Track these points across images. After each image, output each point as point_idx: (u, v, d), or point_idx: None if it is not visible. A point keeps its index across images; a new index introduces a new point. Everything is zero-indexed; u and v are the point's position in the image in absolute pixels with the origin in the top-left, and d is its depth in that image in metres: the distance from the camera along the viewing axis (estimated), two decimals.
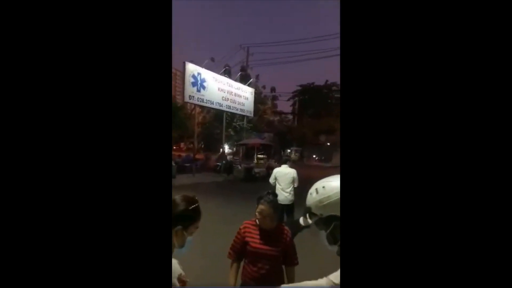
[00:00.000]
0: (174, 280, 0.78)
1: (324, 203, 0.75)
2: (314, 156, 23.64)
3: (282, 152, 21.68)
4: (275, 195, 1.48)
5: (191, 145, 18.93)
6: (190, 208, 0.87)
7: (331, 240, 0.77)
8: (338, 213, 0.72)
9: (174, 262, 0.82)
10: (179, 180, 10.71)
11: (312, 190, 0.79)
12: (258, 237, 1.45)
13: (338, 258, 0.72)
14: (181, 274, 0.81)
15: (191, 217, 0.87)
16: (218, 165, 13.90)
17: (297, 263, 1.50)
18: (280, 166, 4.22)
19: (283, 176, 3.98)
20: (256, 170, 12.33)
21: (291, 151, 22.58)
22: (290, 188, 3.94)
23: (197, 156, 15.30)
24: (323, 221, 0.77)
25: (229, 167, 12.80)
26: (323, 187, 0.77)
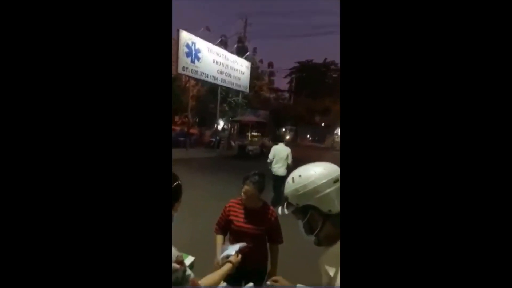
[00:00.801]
0: (173, 264, 0.76)
1: (300, 192, 0.73)
2: (308, 136, 23.82)
3: (277, 131, 21.67)
4: (261, 176, 1.46)
5: (186, 119, 18.55)
6: (174, 185, 0.86)
7: (308, 229, 0.76)
8: (313, 202, 0.72)
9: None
10: (172, 154, 10.66)
11: (289, 178, 0.77)
12: (242, 216, 1.47)
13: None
14: (177, 255, 0.79)
15: (174, 196, 0.86)
16: (212, 140, 13.82)
17: (281, 242, 1.53)
18: (277, 144, 4.89)
19: (280, 152, 4.70)
20: (250, 148, 12.36)
21: (286, 130, 22.60)
22: (284, 164, 4.66)
23: (191, 131, 15.10)
24: (300, 211, 0.75)
25: (223, 143, 12.78)
26: (300, 175, 0.75)
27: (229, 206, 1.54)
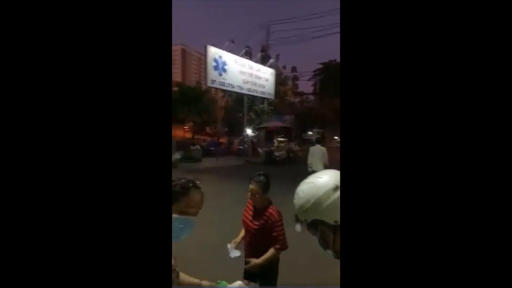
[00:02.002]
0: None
1: (305, 208, 0.70)
2: (335, 137, 23.04)
3: (303, 135, 21.36)
4: (266, 176, 1.57)
5: (216, 129, 19.44)
6: (174, 183, 0.86)
7: (323, 244, 0.72)
8: (319, 216, 0.68)
9: None
10: (204, 163, 11.22)
11: (295, 194, 0.74)
12: (250, 213, 1.64)
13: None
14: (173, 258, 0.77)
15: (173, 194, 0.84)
16: (240, 148, 14.25)
17: (279, 248, 1.52)
18: (314, 145, 5.81)
19: (317, 152, 5.54)
20: (276, 153, 12.44)
21: (313, 132, 22.20)
22: (321, 163, 5.38)
23: (221, 140, 15.75)
24: (311, 226, 0.71)
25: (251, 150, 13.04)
26: (302, 190, 0.72)
27: (246, 204, 1.72)
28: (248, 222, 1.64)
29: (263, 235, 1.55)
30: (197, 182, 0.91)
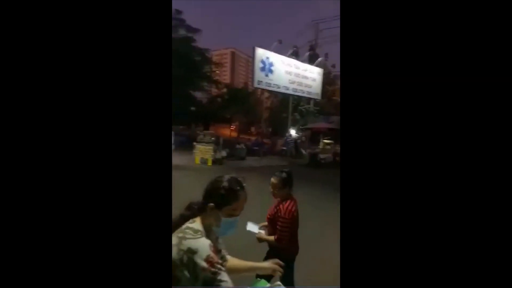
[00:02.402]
0: (201, 261, 0.73)
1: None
2: None
3: None
4: (288, 173, 1.66)
5: (260, 129, 19.82)
6: (223, 186, 0.84)
7: None
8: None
9: (205, 244, 0.77)
10: (248, 162, 11.54)
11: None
12: (274, 203, 1.77)
13: None
14: (209, 255, 0.74)
15: (222, 197, 0.83)
16: (283, 149, 14.19)
17: (277, 239, 1.58)
18: None
19: None
20: (322, 156, 11.93)
21: None
22: None
23: (265, 141, 15.96)
24: None
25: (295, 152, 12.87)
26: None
27: None
28: (268, 210, 1.79)
29: (273, 225, 1.69)
30: (244, 184, 0.90)
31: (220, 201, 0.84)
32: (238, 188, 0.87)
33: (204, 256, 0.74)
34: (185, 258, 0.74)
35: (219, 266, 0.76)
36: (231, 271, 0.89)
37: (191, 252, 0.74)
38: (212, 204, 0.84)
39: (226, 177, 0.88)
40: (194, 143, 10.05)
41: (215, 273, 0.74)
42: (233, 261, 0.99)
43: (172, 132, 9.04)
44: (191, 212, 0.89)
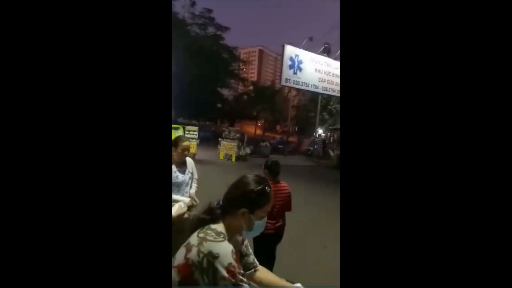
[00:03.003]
0: (222, 269, 0.67)
1: None
2: None
3: None
4: (274, 163, 1.99)
5: (286, 128, 19.56)
6: (256, 189, 0.79)
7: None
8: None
9: (228, 250, 0.70)
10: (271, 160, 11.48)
11: None
12: None
13: None
14: (231, 263, 0.68)
15: (255, 201, 0.78)
16: (309, 149, 13.79)
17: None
18: None
19: None
20: None
21: None
22: None
23: (290, 139, 15.70)
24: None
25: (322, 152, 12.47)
26: None
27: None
28: None
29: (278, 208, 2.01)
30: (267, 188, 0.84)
31: (253, 205, 0.79)
32: (268, 188, 0.82)
33: (226, 263, 0.69)
34: (205, 261, 0.68)
35: (240, 277, 0.71)
36: (259, 284, 0.87)
37: (212, 256, 0.68)
38: (245, 209, 0.78)
39: (252, 178, 0.83)
40: (219, 139, 10.20)
41: (236, 285, 0.70)
42: (264, 273, 0.94)
43: (197, 127, 9.41)
44: (212, 216, 0.81)
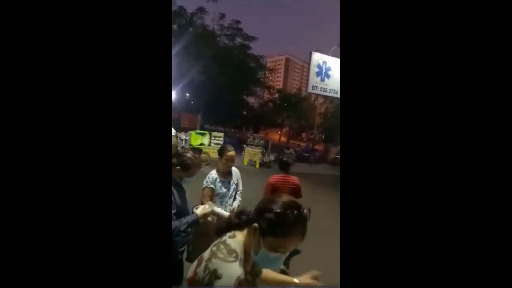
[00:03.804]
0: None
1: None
2: None
3: None
4: (282, 159, 2.49)
5: (312, 135, 19.13)
6: (276, 211, 0.64)
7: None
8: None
9: (233, 274, 0.62)
10: (297, 168, 11.27)
11: None
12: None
13: None
14: (240, 278, 0.62)
15: (271, 223, 0.64)
16: (337, 158, 13.25)
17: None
18: None
19: None
20: None
21: None
22: None
23: (316, 147, 15.27)
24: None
25: None
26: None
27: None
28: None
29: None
30: (306, 216, 0.67)
31: (266, 227, 0.65)
32: (291, 218, 0.64)
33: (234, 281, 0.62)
34: (207, 279, 0.63)
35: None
36: (265, 283, 0.85)
37: (216, 276, 0.62)
38: (256, 225, 0.66)
39: (286, 199, 0.67)
40: (244, 146, 10.31)
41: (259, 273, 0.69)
42: (268, 273, 0.88)
43: (223, 134, 9.53)
44: (240, 222, 0.73)
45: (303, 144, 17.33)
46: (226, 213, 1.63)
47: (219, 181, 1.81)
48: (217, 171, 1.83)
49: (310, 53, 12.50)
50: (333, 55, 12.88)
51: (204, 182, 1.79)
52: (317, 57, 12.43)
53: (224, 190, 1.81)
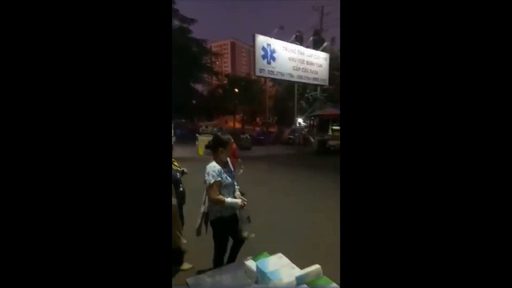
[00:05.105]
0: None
1: None
2: None
3: None
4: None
5: (265, 119, 19.49)
6: None
7: None
8: None
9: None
10: (254, 152, 11.43)
11: None
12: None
13: None
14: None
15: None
16: (291, 138, 13.87)
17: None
18: None
19: None
20: (331, 142, 11.61)
21: None
22: None
23: (271, 130, 15.66)
24: None
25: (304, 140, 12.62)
26: None
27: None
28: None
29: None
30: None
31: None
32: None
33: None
34: None
35: None
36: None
37: None
38: None
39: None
40: (197, 135, 9.88)
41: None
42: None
43: (173, 125, 8.94)
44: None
45: (258, 129, 17.57)
46: (238, 201, 1.74)
47: (224, 173, 1.75)
48: (218, 162, 1.75)
49: (254, 35, 12.32)
50: (276, 37, 12.98)
51: (211, 177, 1.69)
52: (261, 40, 12.30)
53: (230, 180, 1.78)
